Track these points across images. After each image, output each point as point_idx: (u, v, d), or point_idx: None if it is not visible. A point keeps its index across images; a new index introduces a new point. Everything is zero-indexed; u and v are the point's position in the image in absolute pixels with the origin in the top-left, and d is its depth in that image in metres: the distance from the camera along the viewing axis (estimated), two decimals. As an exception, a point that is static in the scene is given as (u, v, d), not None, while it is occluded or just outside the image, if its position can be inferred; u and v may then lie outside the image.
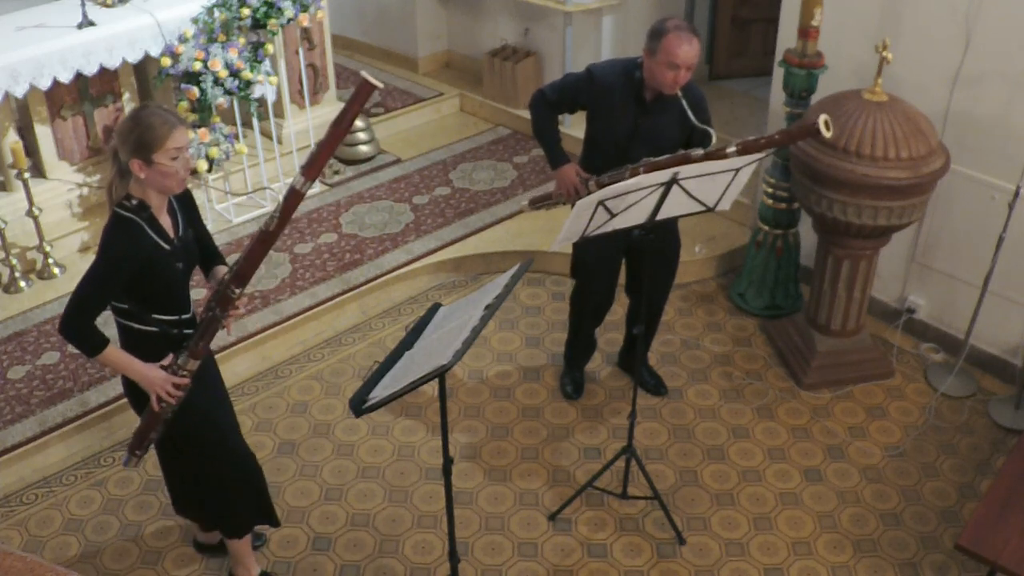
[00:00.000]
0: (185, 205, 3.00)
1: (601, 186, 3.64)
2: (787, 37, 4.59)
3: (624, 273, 4.13)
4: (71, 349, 4.44)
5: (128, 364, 2.90)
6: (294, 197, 2.77)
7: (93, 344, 2.82)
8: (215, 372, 3.23)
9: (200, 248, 3.07)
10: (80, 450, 4.07)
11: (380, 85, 2.61)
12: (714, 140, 3.56)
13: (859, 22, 4.40)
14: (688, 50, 3.43)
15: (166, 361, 2.94)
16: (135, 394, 3.04)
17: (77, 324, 2.79)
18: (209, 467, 3.20)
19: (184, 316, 2.99)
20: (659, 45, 3.45)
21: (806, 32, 4.24)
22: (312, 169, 2.72)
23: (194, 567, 3.58)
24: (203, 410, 3.07)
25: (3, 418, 4.07)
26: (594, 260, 3.96)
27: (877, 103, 3.90)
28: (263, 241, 2.86)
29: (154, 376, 2.91)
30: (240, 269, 2.88)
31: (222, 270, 3.13)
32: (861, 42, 4.35)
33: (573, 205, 3.83)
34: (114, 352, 2.87)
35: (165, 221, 2.88)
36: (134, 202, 2.80)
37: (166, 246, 2.86)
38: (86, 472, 3.99)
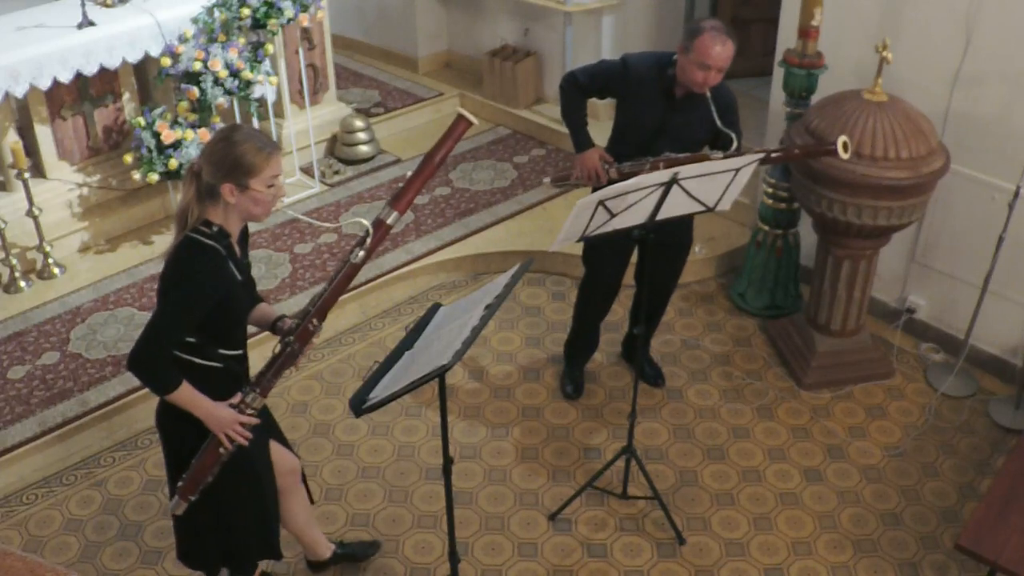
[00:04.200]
0: (244, 234, 2.83)
1: (621, 174, 3.67)
2: (787, 37, 4.59)
3: (635, 262, 4.12)
4: (71, 349, 4.44)
5: (198, 402, 2.70)
6: (382, 229, 2.72)
7: (168, 381, 2.64)
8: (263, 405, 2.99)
9: None
10: (80, 450, 4.07)
11: (475, 121, 2.66)
12: (735, 145, 3.56)
13: (859, 22, 4.40)
14: (721, 51, 3.44)
15: (235, 399, 2.79)
16: (175, 430, 2.84)
17: (153, 359, 2.61)
18: (232, 505, 2.96)
19: (244, 351, 2.86)
20: (693, 44, 3.46)
21: (806, 32, 4.24)
22: (401, 202, 2.69)
23: (194, 567, 3.58)
24: (247, 450, 2.86)
25: (3, 418, 4.07)
26: (606, 247, 3.95)
27: (877, 103, 3.90)
28: (348, 274, 2.75)
29: (223, 416, 2.73)
30: (324, 303, 2.77)
31: (267, 308, 2.98)
32: (861, 42, 4.35)
33: (593, 190, 3.87)
34: (187, 389, 2.67)
35: (237, 250, 2.73)
36: (214, 228, 2.62)
37: (240, 277, 2.70)
38: (86, 472, 3.99)
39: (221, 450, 2.79)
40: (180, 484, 2.85)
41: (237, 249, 2.74)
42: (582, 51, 6.06)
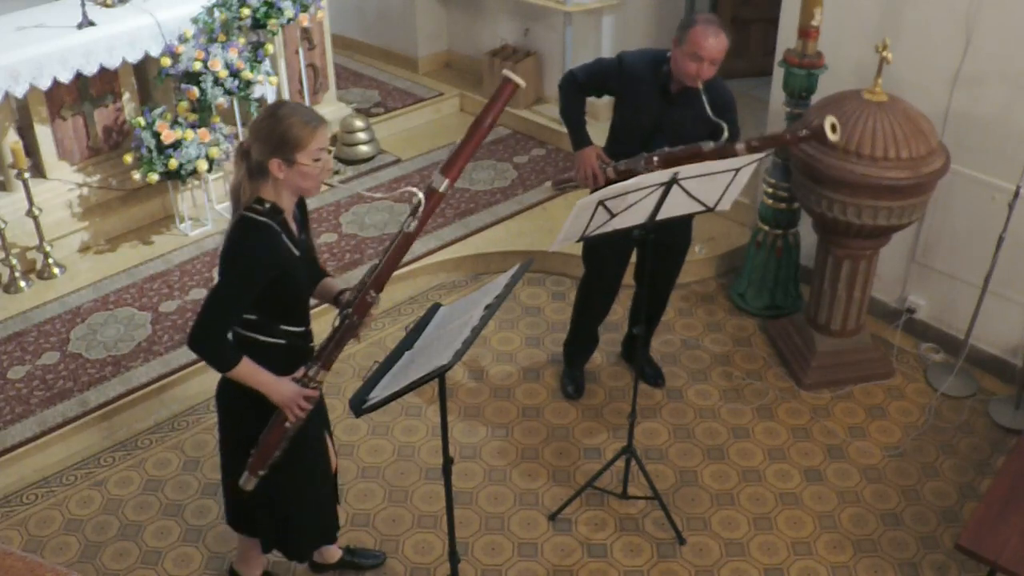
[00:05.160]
0: (302, 209, 2.83)
1: (618, 172, 3.68)
2: (787, 37, 4.59)
3: (634, 263, 4.13)
4: (71, 349, 4.44)
5: (261, 378, 2.72)
6: (434, 198, 2.71)
7: (227, 358, 2.68)
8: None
9: None
10: (80, 450, 4.07)
11: (523, 83, 2.64)
12: (724, 135, 3.54)
13: (859, 22, 4.40)
14: (714, 43, 3.45)
15: (298, 374, 2.80)
16: (235, 407, 2.87)
17: (211, 337, 2.65)
18: (291, 486, 3.00)
19: (307, 327, 2.87)
20: (686, 36, 3.48)
21: (806, 32, 4.24)
22: (452, 170, 2.68)
23: (194, 567, 3.58)
24: (305, 434, 2.91)
25: (3, 418, 4.07)
26: (605, 248, 3.96)
27: (877, 103, 3.90)
28: (402, 244, 2.75)
29: (288, 391, 2.76)
30: (380, 274, 2.78)
31: (331, 282, 2.99)
32: (861, 42, 4.35)
33: (592, 191, 3.88)
34: (248, 365, 2.69)
35: (293, 226, 2.73)
36: (267, 205, 2.64)
37: (297, 252, 2.71)
38: (86, 472, 3.99)
39: (287, 424, 2.81)
40: (250, 460, 2.89)
41: (293, 225, 2.74)
42: (582, 51, 6.05)
